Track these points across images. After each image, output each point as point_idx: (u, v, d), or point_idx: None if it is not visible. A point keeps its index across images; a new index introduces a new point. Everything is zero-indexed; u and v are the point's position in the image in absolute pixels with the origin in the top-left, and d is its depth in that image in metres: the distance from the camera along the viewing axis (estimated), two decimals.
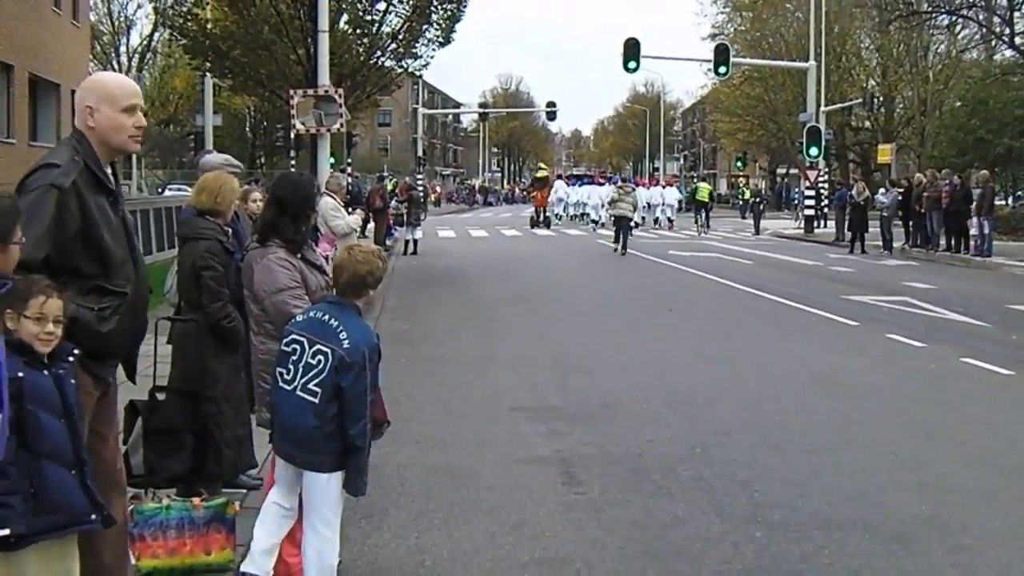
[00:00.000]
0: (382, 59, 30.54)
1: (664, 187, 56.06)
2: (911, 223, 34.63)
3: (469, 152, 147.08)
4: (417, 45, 30.92)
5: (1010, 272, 27.60)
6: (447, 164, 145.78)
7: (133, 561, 5.67)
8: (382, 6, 29.50)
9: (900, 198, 34.81)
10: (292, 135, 32.27)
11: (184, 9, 29.56)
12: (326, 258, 5.55)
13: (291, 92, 22.99)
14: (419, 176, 57.17)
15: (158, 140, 64.08)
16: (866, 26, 64.66)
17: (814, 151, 44.06)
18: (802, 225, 46.45)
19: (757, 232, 46.83)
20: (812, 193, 45.83)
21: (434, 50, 31.32)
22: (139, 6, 69.89)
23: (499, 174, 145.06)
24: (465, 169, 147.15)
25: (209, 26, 28.89)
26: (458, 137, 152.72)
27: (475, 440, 9.60)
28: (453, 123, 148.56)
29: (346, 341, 5.29)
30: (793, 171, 76.92)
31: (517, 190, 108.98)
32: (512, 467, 8.68)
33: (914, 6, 44.89)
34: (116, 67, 65.91)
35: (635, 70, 43.71)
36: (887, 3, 48.47)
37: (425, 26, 30.21)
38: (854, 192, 36.53)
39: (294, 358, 5.38)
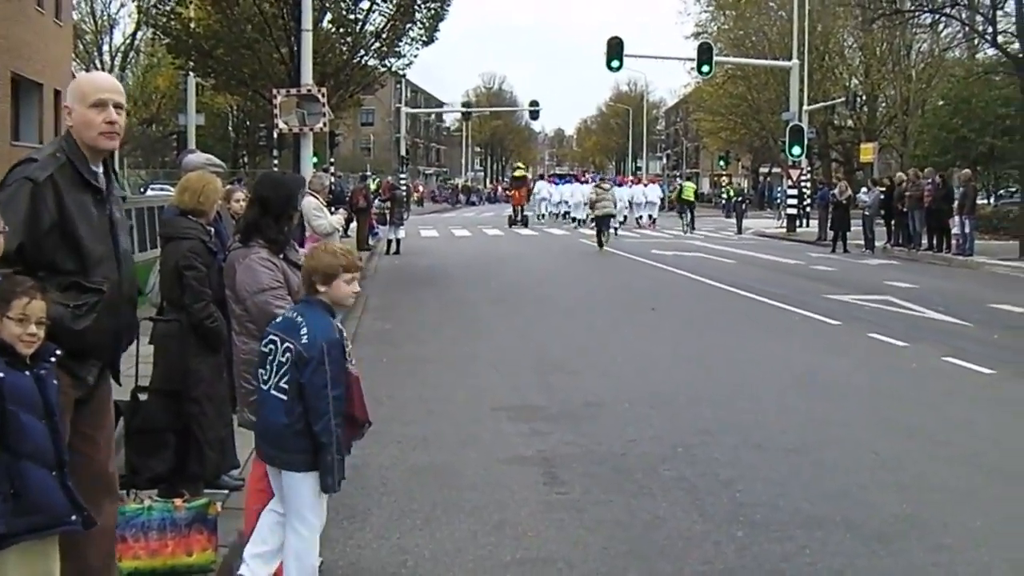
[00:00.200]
0: (365, 58, 30.53)
1: (646, 186, 56.21)
2: (893, 222, 34.75)
3: (452, 151, 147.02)
4: (400, 44, 30.93)
5: (992, 271, 27.72)
6: (430, 163, 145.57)
7: None
8: (365, 5, 29.54)
9: (882, 197, 34.95)
10: (275, 134, 32.33)
11: (167, 8, 29.49)
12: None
13: (274, 91, 22.92)
14: (402, 175, 57.11)
15: (140, 140, 63.87)
16: (849, 25, 64.80)
17: (797, 150, 44.14)
18: (784, 224, 46.58)
19: (740, 231, 46.97)
20: (795, 192, 45.93)
21: (417, 49, 31.36)
22: (122, 5, 69.70)
23: (482, 173, 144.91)
24: (448, 168, 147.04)
25: (192, 25, 28.85)
26: (441, 136, 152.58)
27: (457, 440, 9.60)
28: (436, 122, 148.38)
29: (304, 336, 5.30)
30: (776, 170, 77.16)
31: (500, 189, 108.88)
32: (494, 467, 8.68)
33: (897, 5, 44.86)
34: (99, 66, 65.71)
35: (618, 69, 43.68)
36: (870, 2, 48.48)
37: (409, 25, 30.21)
38: (836, 191, 36.69)
39: (270, 358, 5.40)
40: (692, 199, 50.86)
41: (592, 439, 9.57)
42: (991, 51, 41.66)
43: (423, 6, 30.01)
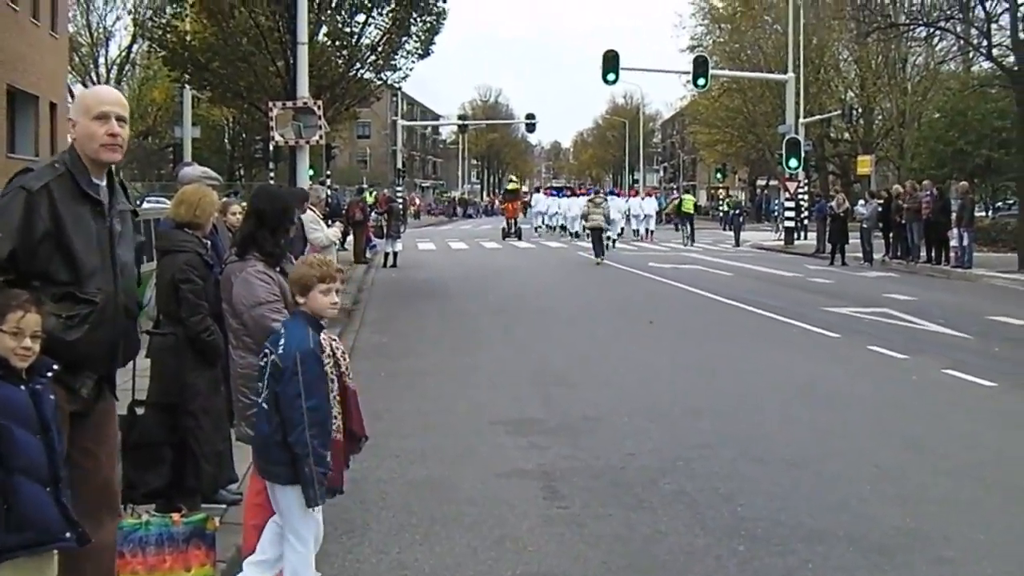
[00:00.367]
0: (361, 71, 30.45)
1: (643, 199, 56.31)
2: (891, 234, 34.75)
3: (448, 164, 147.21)
4: (396, 57, 30.85)
5: (990, 283, 27.72)
6: (426, 176, 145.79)
7: None
8: (361, 18, 29.47)
9: (880, 209, 34.96)
10: (271, 147, 32.28)
11: (163, 21, 29.52)
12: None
13: (270, 104, 22.89)
14: (398, 188, 57.17)
15: (136, 152, 63.89)
16: (844, 38, 64.84)
17: (793, 163, 44.17)
18: (782, 237, 46.60)
19: (737, 244, 46.96)
20: (792, 205, 45.96)
21: (413, 62, 31.26)
22: (118, 18, 69.92)
23: (478, 186, 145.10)
24: (445, 181, 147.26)
25: (188, 38, 28.79)
26: (437, 149, 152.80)
27: (456, 454, 9.56)
28: (432, 135, 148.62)
29: (281, 347, 5.33)
30: (773, 183, 77.24)
31: (497, 202, 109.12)
32: (493, 481, 8.64)
33: (892, 18, 45.01)
34: (95, 79, 65.78)
35: (614, 82, 43.70)
36: (865, 15, 48.65)
37: (404, 38, 30.15)
38: (834, 204, 36.74)
39: (266, 371, 5.41)
40: (692, 211, 50.96)
41: (591, 452, 9.54)
42: (986, 64, 41.65)
43: (419, 19, 29.98)
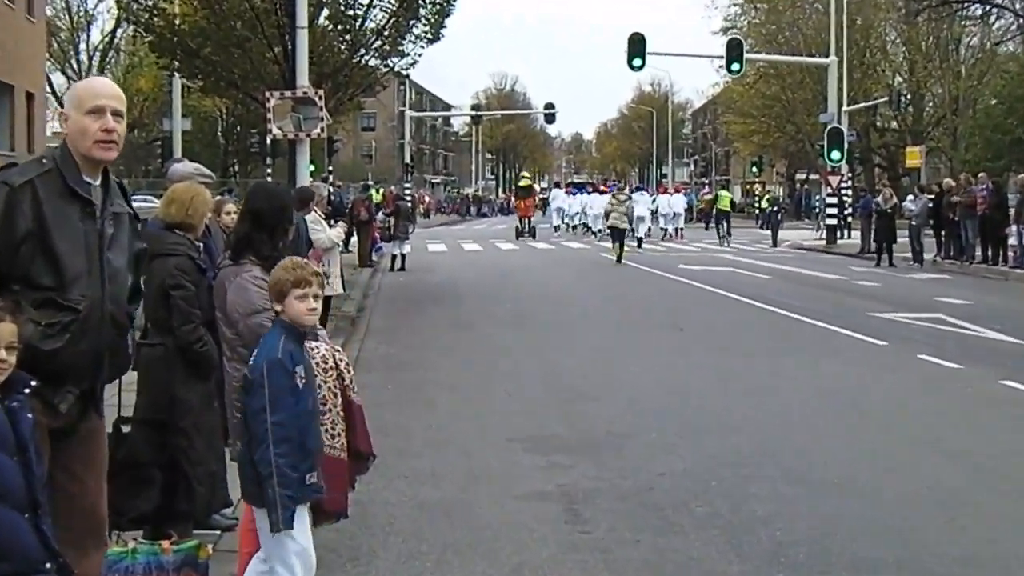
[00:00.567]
0: (366, 57, 30.48)
1: (672, 195, 56.18)
2: (943, 232, 34.55)
3: (461, 158, 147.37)
4: (404, 42, 30.85)
5: None
6: (437, 171, 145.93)
7: None
8: (365, 0, 29.50)
9: (930, 205, 34.78)
10: (268, 141, 32.34)
11: (150, 3, 29.48)
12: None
13: (267, 94, 22.92)
14: (407, 185, 57.26)
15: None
16: (892, 18, 64.88)
17: (836, 155, 44.01)
18: (824, 236, 46.44)
19: (775, 244, 46.82)
20: (834, 201, 45.78)
21: (422, 47, 31.26)
22: (100, 0, 69.94)
23: (493, 182, 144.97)
24: (456, 177, 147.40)
25: (177, 22, 28.82)
26: (448, 142, 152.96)
27: (470, 474, 9.56)
28: (443, 127, 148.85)
29: (253, 359, 5.35)
30: (813, 177, 77.00)
31: (513, 199, 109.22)
32: (510, 503, 8.63)
33: None
34: (75, 66, 66.04)
35: (640, 68, 43.67)
36: None
37: (412, 21, 30.14)
38: (880, 199, 36.55)
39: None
40: (728, 208, 50.92)
41: (617, 472, 9.52)
42: None
43: (427, 1, 29.99)
